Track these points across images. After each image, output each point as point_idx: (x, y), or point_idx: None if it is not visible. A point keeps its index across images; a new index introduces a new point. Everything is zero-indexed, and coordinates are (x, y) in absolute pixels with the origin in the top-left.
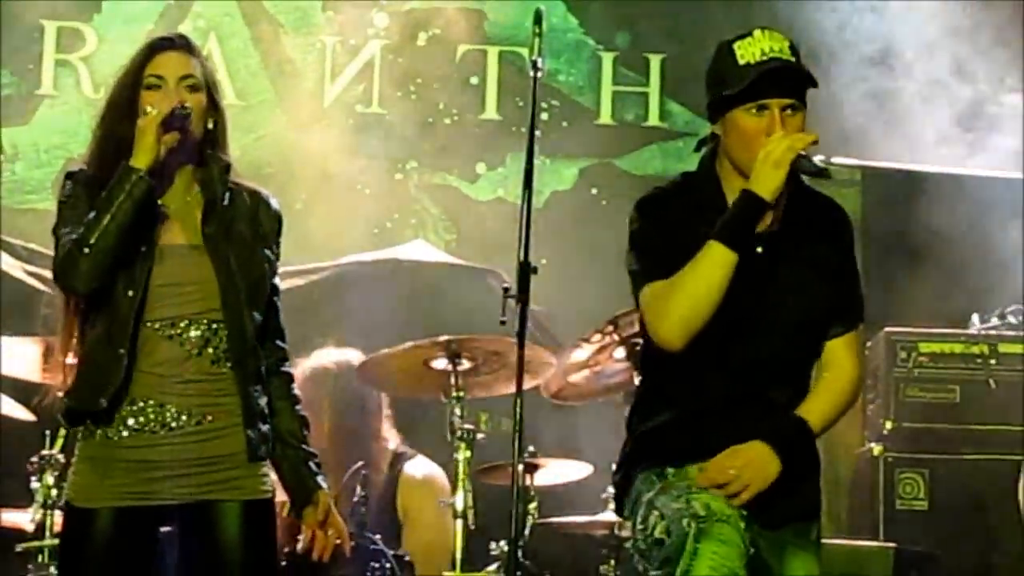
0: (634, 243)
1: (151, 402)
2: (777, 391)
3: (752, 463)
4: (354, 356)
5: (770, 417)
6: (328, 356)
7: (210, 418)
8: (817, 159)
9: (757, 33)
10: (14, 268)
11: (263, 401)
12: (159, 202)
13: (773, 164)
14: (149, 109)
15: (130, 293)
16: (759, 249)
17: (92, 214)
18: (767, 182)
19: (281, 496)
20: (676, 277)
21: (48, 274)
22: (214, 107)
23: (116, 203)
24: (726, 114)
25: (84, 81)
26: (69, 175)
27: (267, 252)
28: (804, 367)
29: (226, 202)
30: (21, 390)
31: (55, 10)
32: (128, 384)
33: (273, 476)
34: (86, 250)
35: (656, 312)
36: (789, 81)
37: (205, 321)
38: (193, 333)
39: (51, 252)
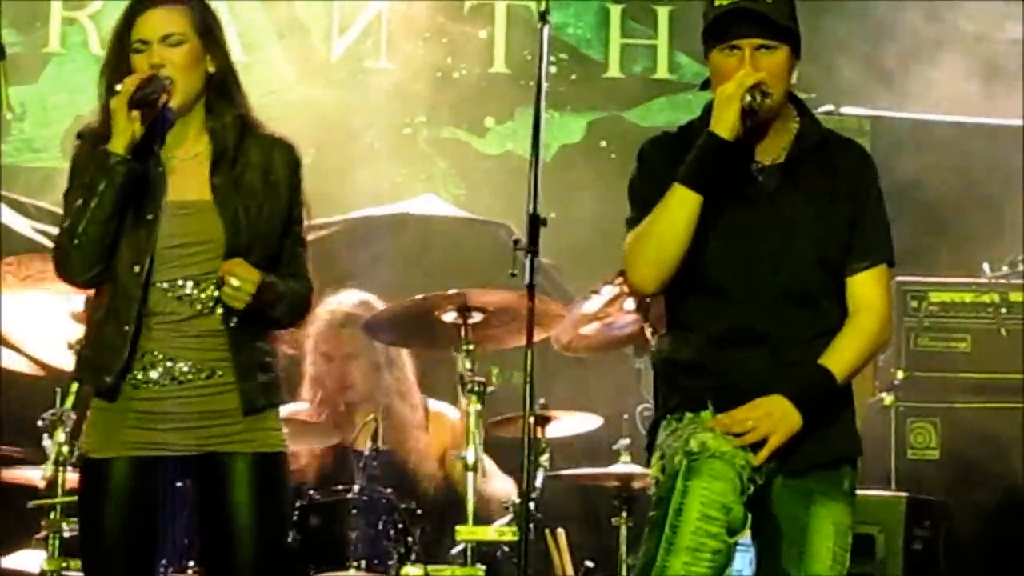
0: (629, 191)
1: (160, 356)
2: (793, 327)
3: (772, 415)
4: (368, 299)
5: (789, 360)
6: (350, 297)
7: (220, 373)
8: (825, 108)
9: None
10: (22, 226)
11: (265, 355)
12: (166, 155)
13: (725, 101)
14: (118, 87)
15: (136, 269)
16: (760, 179)
17: (79, 202)
18: (721, 120)
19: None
20: (645, 223)
21: (55, 231)
22: (212, 51)
23: (98, 191)
24: (708, 56)
25: (91, 39)
26: (79, 135)
27: (279, 204)
28: (819, 300)
29: (236, 152)
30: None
31: None
32: (132, 359)
33: (286, 430)
34: (76, 242)
35: (629, 258)
36: (761, 21)
37: (214, 280)
38: (203, 294)
39: (58, 209)
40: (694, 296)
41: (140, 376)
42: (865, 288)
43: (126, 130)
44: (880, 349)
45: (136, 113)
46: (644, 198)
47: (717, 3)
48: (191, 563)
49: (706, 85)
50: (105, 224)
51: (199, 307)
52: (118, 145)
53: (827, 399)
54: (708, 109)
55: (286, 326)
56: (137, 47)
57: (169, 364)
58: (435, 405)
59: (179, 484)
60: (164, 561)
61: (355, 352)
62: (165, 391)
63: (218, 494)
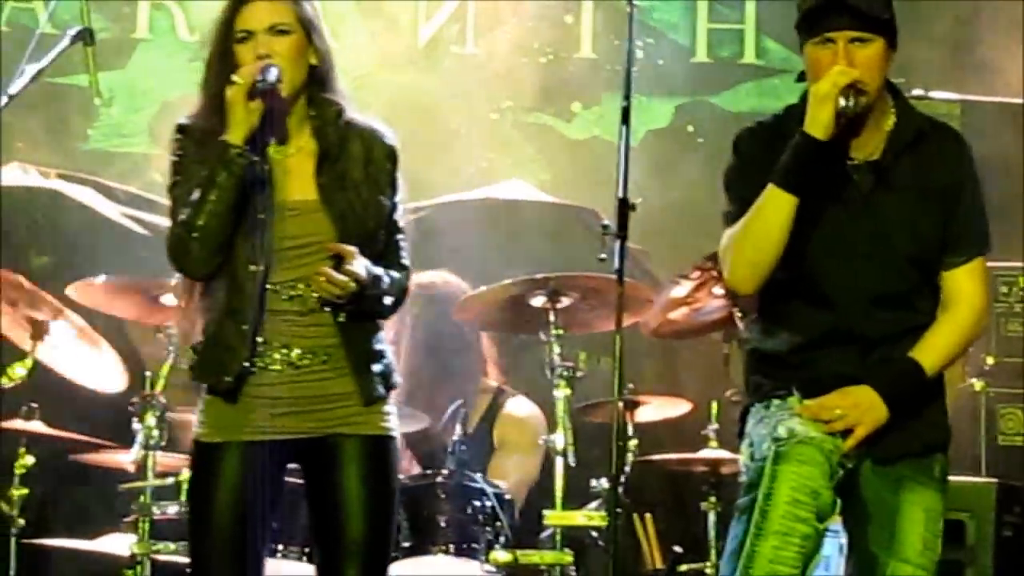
0: (725, 184)
1: (276, 344)
2: (885, 324)
3: (859, 405)
4: (453, 282)
5: (879, 356)
6: (438, 275)
7: (335, 358)
8: (916, 92)
9: None
10: (111, 211)
11: (377, 343)
12: (271, 151)
13: (819, 101)
14: (235, 78)
15: (252, 268)
16: (855, 177)
17: (196, 194)
18: (816, 120)
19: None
20: (741, 223)
21: (144, 216)
22: (313, 42)
23: (219, 181)
24: (803, 48)
25: (179, 24)
26: (180, 128)
27: (382, 197)
28: (914, 299)
29: (339, 150)
30: (120, 331)
31: None
32: (253, 354)
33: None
34: (195, 234)
35: (726, 259)
36: (855, 13)
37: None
38: (315, 294)
39: (146, 194)
40: (787, 291)
41: (258, 361)
42: (961, 282)
43: (244, 121)
44: (974, 341)
45: (255, 104)
46: (741, 192)
47: None
48: (279, 547)
49: (802, 77)
50: (225, 216)
51: (311, 305)
52: (236, 136)
53: (916, 392)
54: (804, 97)
55: (388, 316)
56: (241, 36)
57: (284, 351)
58: (516, 402)
59: (290, 466)
60: None
61: (447, 334)
62: (280, 377)
63: (330, 476)
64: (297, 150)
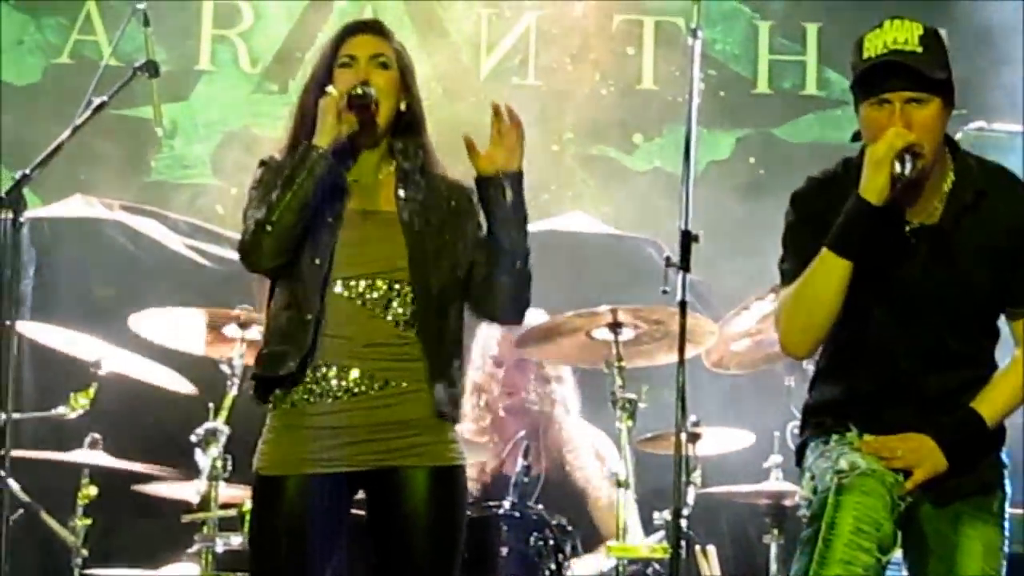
0: (783, 241)
1: (334, 368)
2: (942, 376)
3: (918, 451)
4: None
5: (939, 407)
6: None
7: (393, 383)
8: (975, 125)
9: (886, 24)
10: (174, 242)
11: (455, 363)
12: (349, 179)
13: (874, 165)
14: (330, 89)
15: (316, 261)
16: (913, 241)
17: (275, 192)
18: (871, 185)
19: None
20: (796, 287)
21: (206, 247)
22: (407, 89)
23: (298, 181)
24: (859, 106)
25: (242, 56)
26: (262, 162)
27: (465, 230)
28: (974, 355)
29: (422, 177)
30: (184, 362)
31: None
32: (315, 350)
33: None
34: (268, 228)
35: (780, 321)
36: (911, 74)
37: (387, 280)
38: (374, 293)
39: (208, 226)
40: (848, 350)
41: (316, 388)
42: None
43: (333, 129)
44: None
45: (349, 115)
46: (798, 250)
47: (866, 56)
48: None
49: (857, 136)
50: (299, 212)
51: (371, 308)
52: (323, 141)
53: (976, 442)
54: (863, 151)
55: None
56: (345, 61)
57: (343, 373)
58: (596, 440)
59: (356, 497)
60: None
61: (523, 360)
62: (339, 404)
63: (396, 508)
64: (377, 178)
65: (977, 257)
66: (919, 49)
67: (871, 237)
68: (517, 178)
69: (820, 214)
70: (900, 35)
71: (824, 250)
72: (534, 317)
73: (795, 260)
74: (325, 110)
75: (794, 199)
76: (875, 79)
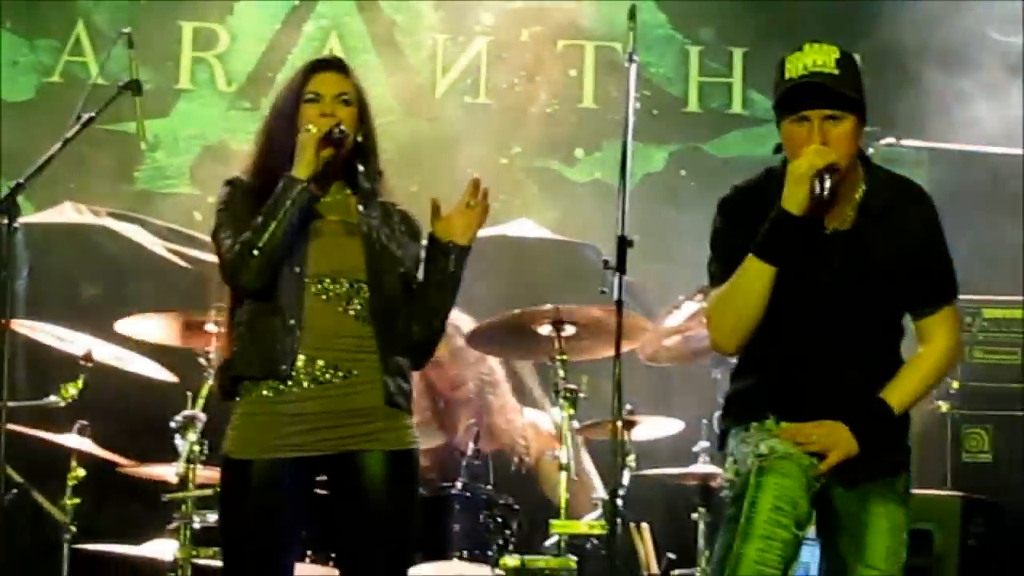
0: (711, 245)
1: (303, 358)
2: (853, 369)
3: (831, 436)
4: (464, 321)
5: (851, 397)
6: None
7: (356, 372)
8: (885, 141)
9: (806, 47)
10: (155, 245)
11: (403, 361)
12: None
13: (796, 180)
14: (311, 127)
15: (296, 270)
16: (829, 245)
17: (259, 219)
18: (792, 198)
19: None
20: (723, 290)
21: (185, 250)
22: (363, 122)
23: (282, 210)
24: (780, 122)
25: (218, 76)
26: (228, 183)
27: (409, 249)
28: (881, 348)
29: (376, 198)
30: (164, 355)
31: (192, 12)
32: (297, 346)
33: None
34: (255, 252)
35: (711, 321)
36: (828, 94)
37: (348, 279)
38: (338, 288)
39: (187, 231)
40: (768, 345)
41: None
42: (932, 328)
43: (312, 163)
44: (940, 381)
45: (326, 152)
46: (725, 253)
47: (787, 76)
48: (308, 552)
49: (779, 149)
50: (283, 239)
51: (334, 302)
52: (303, 173)
53: (885, 428)
54: (785, 162)
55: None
56: (311, 97)
57: (311, 363)
58: (529, 414)
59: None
60: None
61: (459, 359)
62: (306, 393)
63: (355, 489)
64: (339, 199)
65: (885, 261)
66: (836, 71)
67: (793, 244)
68: (464, 252)
69: (745, 220)
70: (819, 58)
71: (750, 256)
72: (464, 323)
73: (722, 262)
74: (305, 146)
75: (721, 206)
76: (796, 98)
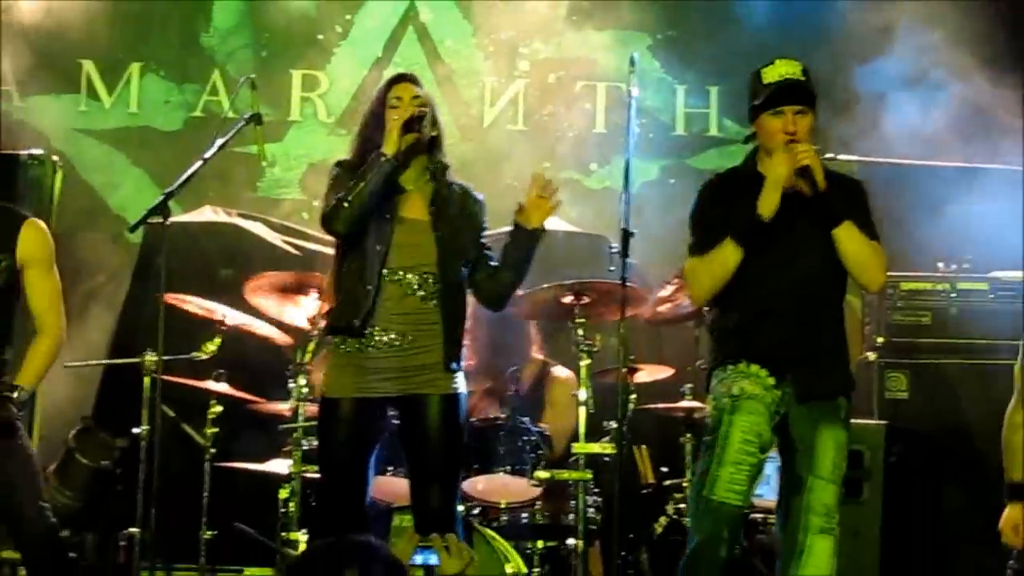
0: (690, 221)
1: (378, 328)
2: (807, 308)
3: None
4: None
5: (802, 330)
6: None
7: (419, 339)
8: (827, 156)
9: (778, 61)
10: (273, 237)
11: (460, 328)
12: (400, 183)
13: (774, 183)
14: (395, 117)
15: (378, 248)
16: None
17: (353, 182)
18: (766, 202)
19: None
20: (703, 259)
21: (296, 241)
22: (434, 122)
23: (370, 174)
24: (758, 118)
25: (320, 110)
26: (338, 163)
27: (473, 228)
28: (829, 293)
29: (445, 191)
30: (277, 320)
31: (300, 61)
32: (375, 307)
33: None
34: (346, 204)
35: (690, 282)
36: (798, 93)
37: (418, 272)
38: (410, 279)
39: (297, 227)
40: (739, 288)
41: (366, 341)
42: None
43: (396, 142)
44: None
45: (408, 135)
46: (700, 229)
47: (766, 81)
48: (389, 467)
49: (748, 139)
50: (369, 197)
51: (407, 289)
52: (388, 150)
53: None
54: (748, 153)
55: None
56: (393, 103)
57: (383, 333)
58: (558, 368)
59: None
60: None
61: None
62: (380, 352)
63: (417, 422)
64: (418, 186)
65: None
66: (803, 78)
67: (761, 239)
68: (536, 234)
69: (716, 204)
70: (790, 68)
71: (728, 239)
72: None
73: (698, 237)
74: (391, 129)
75: (700, 192)
76: (776, 97)
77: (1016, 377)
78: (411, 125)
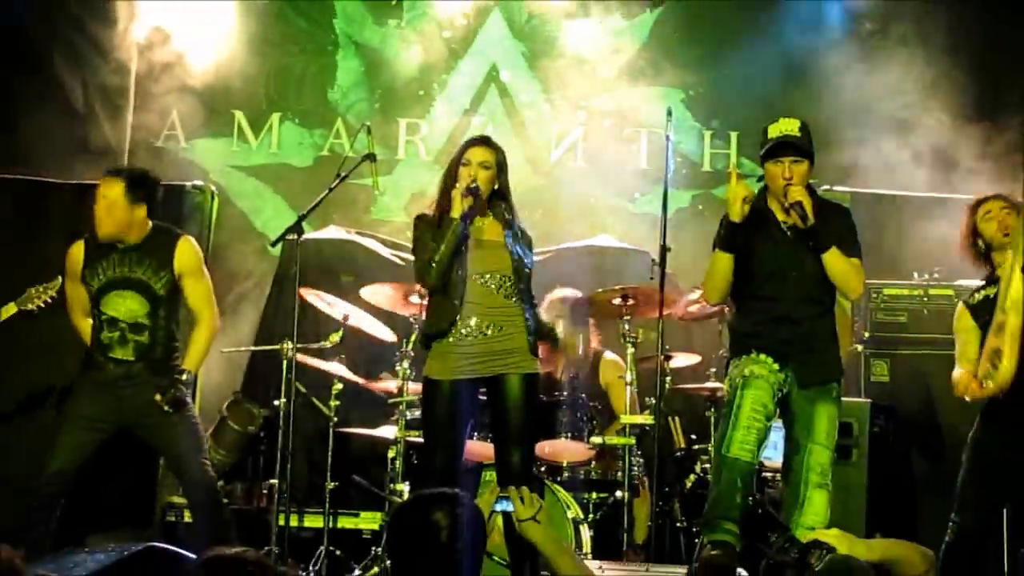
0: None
1: (472, 321)
2: (807, 313)
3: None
4: (571, 293)
5: (803, 331)
6: (561, 292)
7: (503, 328)
8: (824, 187)
9: (781, 119)
10: (384, 251)
11: (533, 322)
12: (471, 229)
13: (730, 203)
14: (458, 185)
15: (459, 272)
16: (788, 234)
17: (433, 245)
18: (732, 211)
19: None
20: (707, 268)
21: (401, 254)
22: (500, 176)
23: (446, 238)
24: (763, 164)
25: (421, 150)
26: (417, 218)
27: (526, 254)
28: (822, 301)
29: (514, 226)
30: (388, 316)
31: (405, 111)
32: (458, 317)
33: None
34: (432, 264)
35: (703, 284)
36: (793, 147)
37: (498, 275)
38: (491, 282)
39: (405, 243)
40: (752, 296)
41: (462, 331)
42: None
43: (459, 207)
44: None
45: (467, 199)
46: (718, 238)
47: (770, 136)
48: (475, 433)
49: (760, 179)
50: (450, 256)
51: (490, 288)
52: (455, 213)
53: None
54: (762, 191)
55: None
56: (464, 162)
57: (475, 323)
58: (608, 354)
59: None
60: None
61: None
62: (473, 340)
63: (502, 397)
64: (490, 223)
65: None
66: (799, 134)
67: (736, 238)
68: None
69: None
70: (788, 126)
71: (716, 249)
72: (570, 294)
73: (715, 243)
74: (454, 197)
75: (723, 218)
76: (775, 149)
77: (957, 356)
78: (467, 192)
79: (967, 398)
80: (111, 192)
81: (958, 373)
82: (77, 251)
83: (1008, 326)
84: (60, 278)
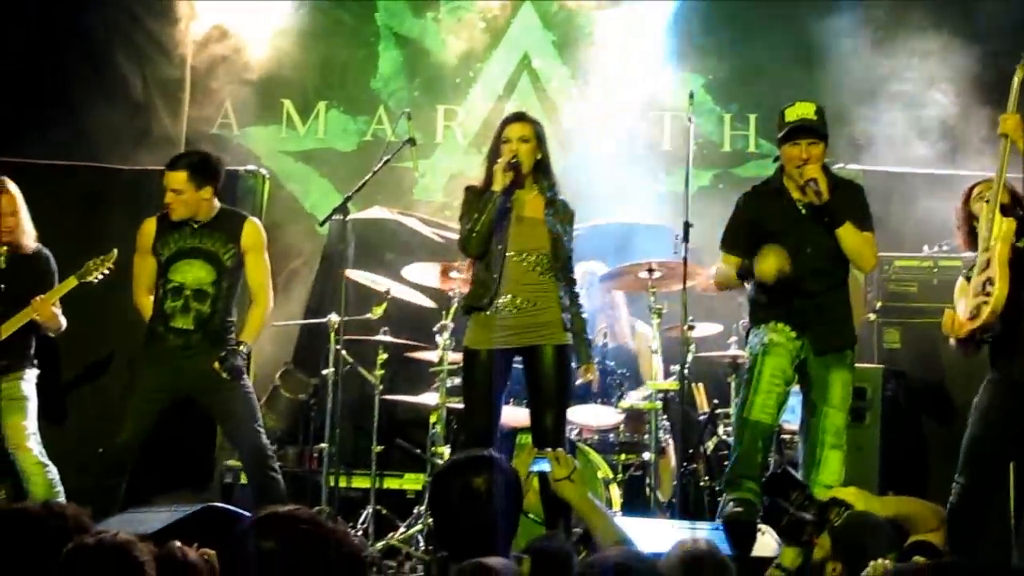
0: (728, 222)
1: (508, 296)
2: (821, 286)
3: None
4: (599, 267)
5: (818, 303)
6: (588, 266)
7: (537, 304)
8: (838, 165)
9: (798, 103)
10: (425, 230)
11: (567, 298)
12: (518, 193)
13: (764, 274)
14: (500, 161)
15: (500, 246)
16: (803, 212)
17: (475, 215)
18: (765, 279)
19: None
20: (719, 265)
21: (442, 232)
22: (540, 149)
23: (487, 209)
24: (781, 147)
25: (458, 135)
26: (466, 189)
27: (566, 231)
28: (836, 273)
29: (555, 201)
30: (429, 290)
31: (443, 98)
32: (498, 290)
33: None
34: (473, 235)
35: (716, 276)
36: (809, 130)
37: (536, 253)
38: (529, 258)
39: (444, 222)
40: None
41: (498, 304)
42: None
43: (501, 180)
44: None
45: (508, 173)
46: (728, 227)
47: (788, 120)
48: (511, 398)
49: (776, 159)
50: (489, 225)
51: (527, 265)
52: (497, 187)
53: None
54: (779, 171)
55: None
56: (505, 138)
57: (510, 298)
58: (639, 324)
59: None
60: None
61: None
62: (509, 313)
63: (537, 365)
64: (532, 197)
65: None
66: (815, 117)
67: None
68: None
69: (745, 208)
70: (805, 110)
71: (723, 253)
72: (598, 267)
73: (728, 236)
74: (496, 170)
75: (739, 198)
76: (793, 132)
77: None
78: (508, 167)
79: (953, 338)
80: (175, 182)
81: (945, 317)
82: (149, 225)
83: (996, 255)
84: (115, 251)
